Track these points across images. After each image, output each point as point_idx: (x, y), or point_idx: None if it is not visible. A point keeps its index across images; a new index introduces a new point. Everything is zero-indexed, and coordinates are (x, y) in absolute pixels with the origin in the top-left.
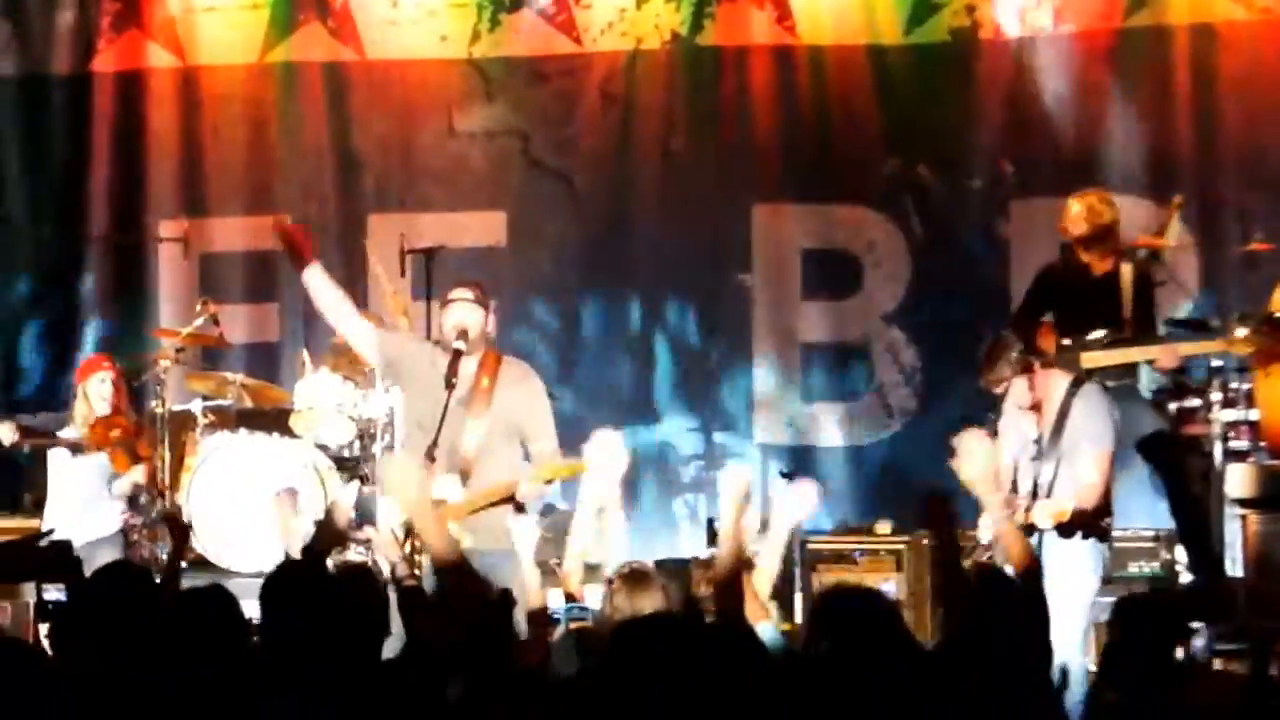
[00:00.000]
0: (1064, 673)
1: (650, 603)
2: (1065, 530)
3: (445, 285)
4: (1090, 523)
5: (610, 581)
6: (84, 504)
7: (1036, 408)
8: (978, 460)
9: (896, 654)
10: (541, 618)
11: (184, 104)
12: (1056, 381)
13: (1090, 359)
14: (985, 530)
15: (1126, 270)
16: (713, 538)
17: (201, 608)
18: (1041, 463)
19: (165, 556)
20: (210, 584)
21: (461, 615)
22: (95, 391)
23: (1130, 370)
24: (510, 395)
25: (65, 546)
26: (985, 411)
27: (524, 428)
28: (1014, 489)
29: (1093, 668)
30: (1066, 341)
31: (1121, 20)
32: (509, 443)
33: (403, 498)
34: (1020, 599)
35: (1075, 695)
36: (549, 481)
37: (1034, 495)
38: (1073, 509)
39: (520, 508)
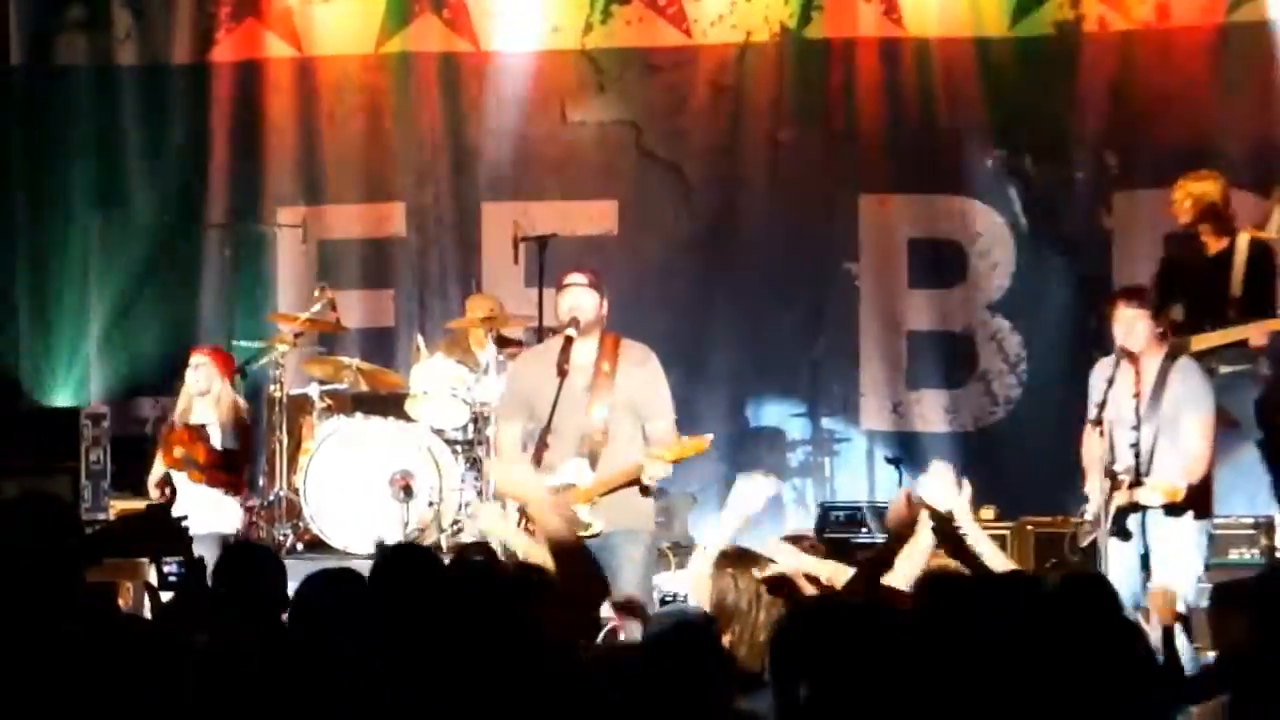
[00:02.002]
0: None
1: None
2: (1175, 509)
3: (557, 272)
4: (1198, 498)
5: (719, 563)
6: (205, 498)
7: (1138, 395)
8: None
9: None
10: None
11: (301, 93)
12: (1154, 359)
13: (1199, 340)
14: (1093, 513)
15: (1241, 247)
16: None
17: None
18: (1139, 436)
19: (284, 537)
20: (341, 568)
21: (572, 599)
22: (189, 380)
23: (1249, 356)
24: (631, 377)
25: (169, 518)
26: (1084, 398)
27: (643, 408)
28: (1111, 466)
29: (1196, 648)
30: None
31: (1224, 15)
32: (633, 424)
33: (518, 495)
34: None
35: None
36: (674, 461)
37: (1136, 473)
38: (1186, 486)
39: (645, 490)
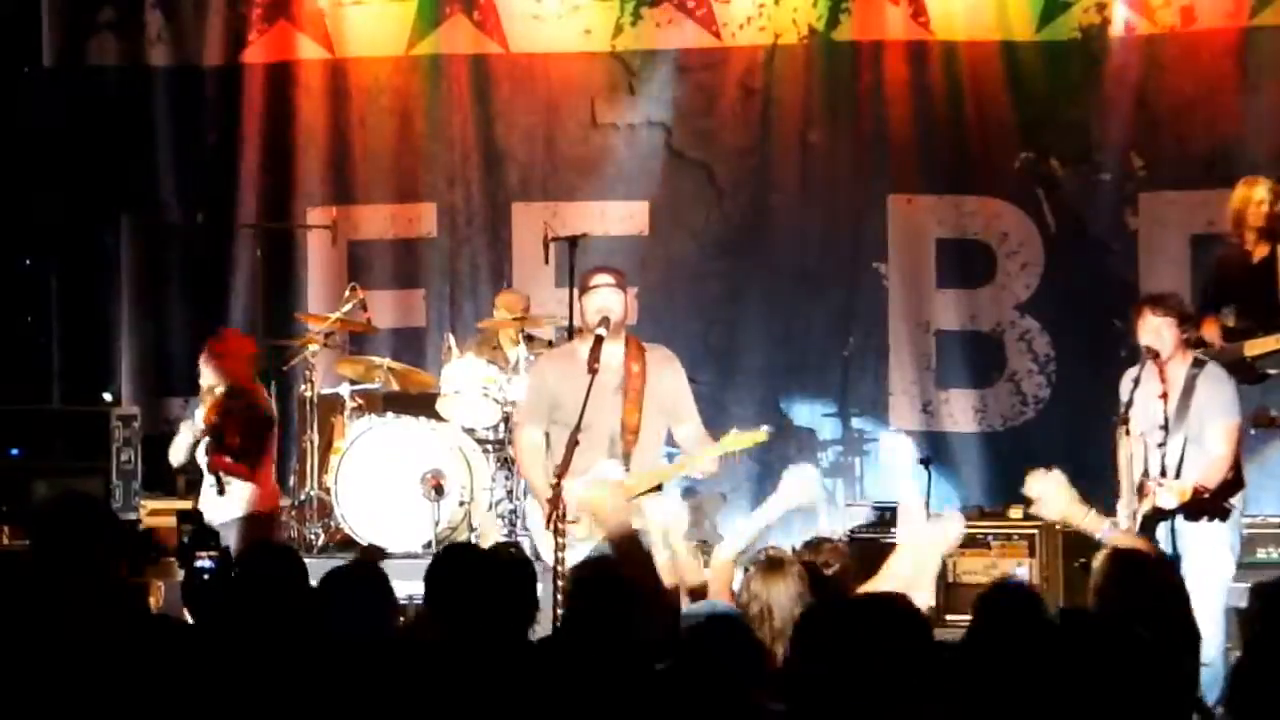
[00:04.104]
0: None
1: (785, 589)
2: (1192, 513)
3: (585, 273)
4: (1216, 501)
5: (747, 569)
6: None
7: (1164, 396)
8: (1053, 501)
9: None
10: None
11: (332, 95)
12: (1179, 366)
13: (1251, 345)
14: (1122, 517)
15: None
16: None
17: (352, 586)
18: (1168, 441)
19: (314, 537)
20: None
21: (640, 595)
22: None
23: None
24: (661, 379)
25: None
26: (1113, 397)
27: (673, 409)
28: (1145, 473)
29: (1228, 648)
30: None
31: (1247, 19)
32: (661, 426)
33: (594, 504)
34: (1161, 582)
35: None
36: (725, 456)
37: (1164, 476)
38: (1194, 486)
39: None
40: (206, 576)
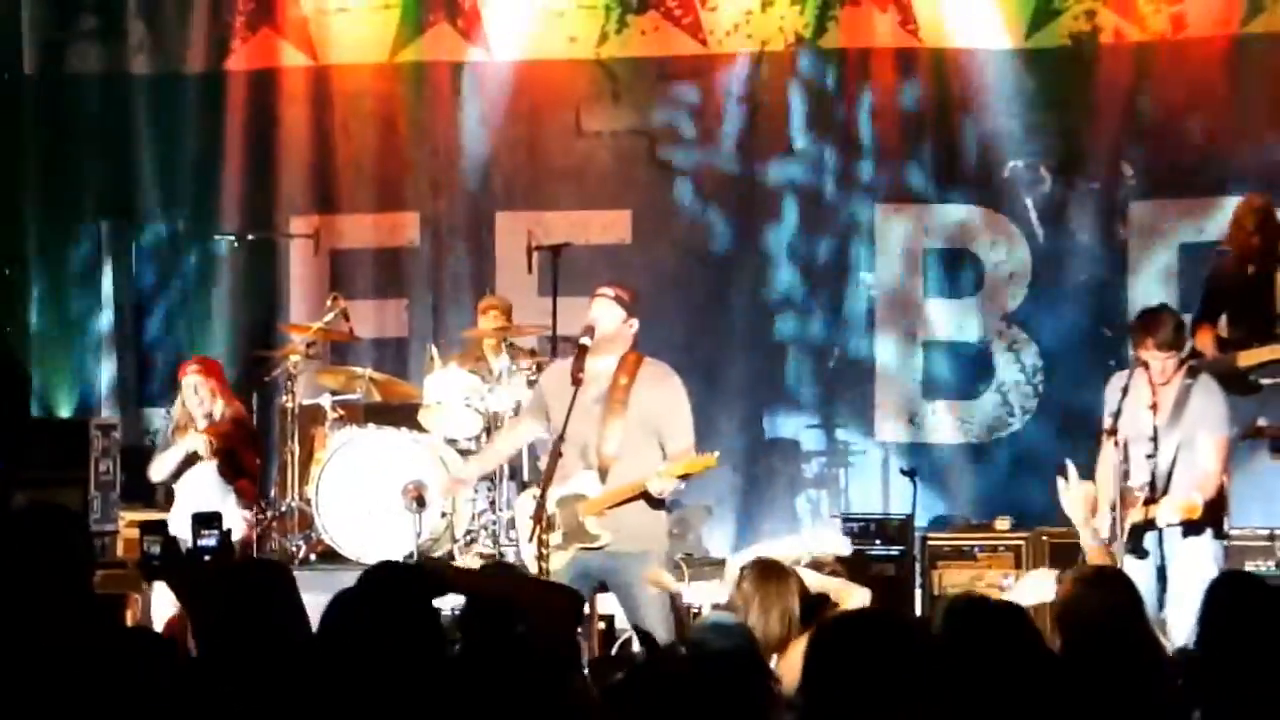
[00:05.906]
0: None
1: (781, 597)
2: (1192, 527)
3: (570, 281)
4: (1208, 515)
5: (741, 570)
6: (214, 493)
7: (1154, 407)
8: (1072, 505)
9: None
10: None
11: (315, 102)
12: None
13: (1245, 356)
14: (1103, 526)
15: None
16: None
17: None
18: (1157, 454)
19: (295, 548)
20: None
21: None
22: (186, 395)
23: None
24: (649, 395)
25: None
26: (1101, 408)
27: (661, 427)
28: (1125, 477)
29: None
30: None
31: (1239, 26)
32: (648, 442)
33: None
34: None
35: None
36: (682, 477)
37: (1152, 489)
38: (1200, 504)
39: (657, 504)
40: (208, 557)
